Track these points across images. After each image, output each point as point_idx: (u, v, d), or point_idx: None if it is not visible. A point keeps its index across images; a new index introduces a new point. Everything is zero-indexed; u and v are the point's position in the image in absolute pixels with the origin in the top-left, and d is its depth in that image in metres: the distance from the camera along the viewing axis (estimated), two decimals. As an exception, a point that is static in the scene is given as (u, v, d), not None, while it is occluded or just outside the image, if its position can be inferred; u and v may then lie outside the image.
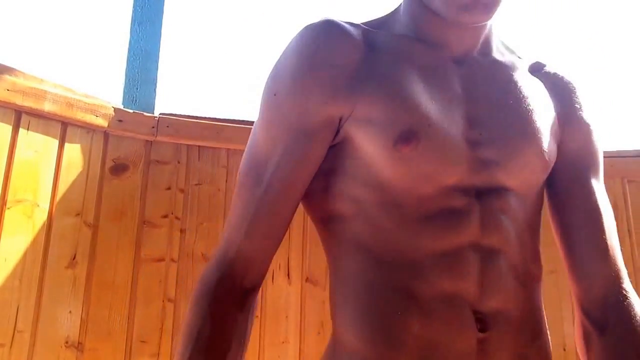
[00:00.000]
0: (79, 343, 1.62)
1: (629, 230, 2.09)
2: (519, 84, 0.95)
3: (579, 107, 1.00)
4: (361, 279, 0.85)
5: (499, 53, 0.98)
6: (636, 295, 0.90)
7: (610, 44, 2.68)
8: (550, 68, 1.03)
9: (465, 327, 0.80)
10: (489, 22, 0.94)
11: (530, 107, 0.93)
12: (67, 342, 1.60)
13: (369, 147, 0.83)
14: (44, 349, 1.56)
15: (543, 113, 0.94)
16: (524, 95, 0.94)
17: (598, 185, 0.98)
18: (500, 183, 0.86)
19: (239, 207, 0.87)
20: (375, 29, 0.93)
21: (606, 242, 0.92)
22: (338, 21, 0.88)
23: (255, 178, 0.86)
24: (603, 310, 0.89)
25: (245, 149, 0.90)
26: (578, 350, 0.93)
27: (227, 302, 0.85)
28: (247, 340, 0.88)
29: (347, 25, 0.88)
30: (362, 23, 0.95)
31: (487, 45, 0.96)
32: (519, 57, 1.01)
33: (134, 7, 1.96)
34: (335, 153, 0.88)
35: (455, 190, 0.84)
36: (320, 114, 0.84)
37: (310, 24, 0.88)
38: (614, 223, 0.96)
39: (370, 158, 0.84)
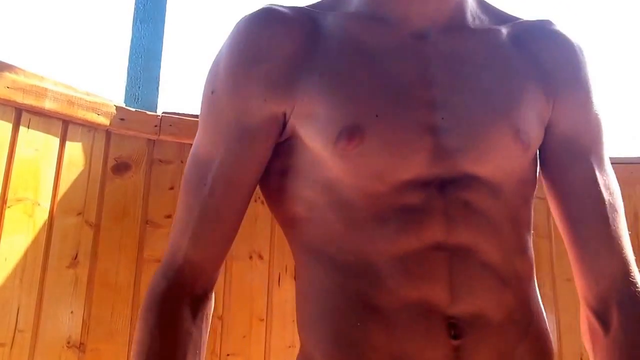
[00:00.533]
0: (80, 343, 1.61)
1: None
2: (495, 58, 0.85)
3: (570, 77, 0.87)
4: (318, 287, 0.81)
5: (475, 20, 0.88)
6: None
7: (621, 51, 2.67)
8: (538, 31, 0.89)
9: (435, 336, 0.73)
10: None
11: (506, 84, 0.83)
12: (68, 343, 1.59)
13: (314, 144, 0.79)
14: (45, 350, 1.56)
15: (523, 89, 0.83)
16: (499, 71, 0.84)
17: (601, 167, 0.86)
18: (467, 172, 0.78)
19: (183, 211, 0.84)
20: (326, 10, 0.86)
21: (611, 233, 0.82)
22: (277, 7, 0.83)
23: (197, 180, 0.82)
24: (608, 306, 0.81)
25: (190, 152, 0.86)
26: (585, 345, 0.86)
27: (177, 313, 0.80)
28: (203, 350, 0.83)
29: (287, 12, 0.82)
30: (313, 5, 0.88)
31: (458, 14, 0.86)
32: (503, 21, 0.90)
33: (136, 5, 1.96)
34: (285, 151, 0.83)
35: (412, 185, 0.76)
36: (260, 112, 0.80)
37: (247, 15, 0.84)
38: (621, 208, 0.85)
39: (316, 156, 0.79)
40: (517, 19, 0.92)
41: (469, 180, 0.78)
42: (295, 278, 0.89)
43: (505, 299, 0.78)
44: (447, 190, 0.77)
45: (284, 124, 0.81)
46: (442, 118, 0.78)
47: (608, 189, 0.85)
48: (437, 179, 0.77)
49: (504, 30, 0.88)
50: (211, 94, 0.83)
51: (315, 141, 0.79)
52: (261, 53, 0.80)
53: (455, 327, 0.74)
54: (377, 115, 0.76)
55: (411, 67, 0.81)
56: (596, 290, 0.82)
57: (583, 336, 0.86)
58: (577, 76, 0.87)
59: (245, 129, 0.80)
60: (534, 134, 0.83)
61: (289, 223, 0.86)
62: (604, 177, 0.85)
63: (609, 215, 0.83)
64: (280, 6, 0.84)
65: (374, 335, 0.75)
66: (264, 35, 0.81)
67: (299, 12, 0.84)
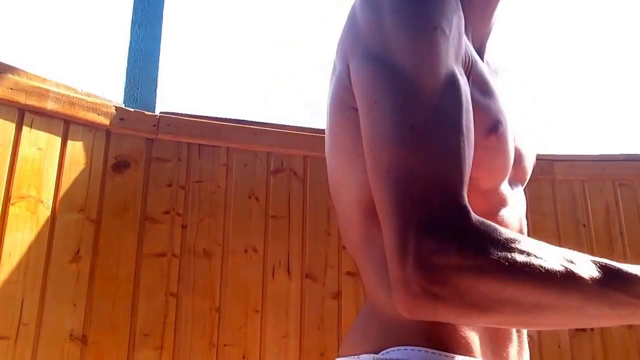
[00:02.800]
0: (83, 336, 1.64)
1: (621, 233, 2.13)
2: (509, 85, 0.98)
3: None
4: None
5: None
6: None
7: (601, 52, 2.71)
8: (509, 69, 1.04)
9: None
10: (496, 19, 0.92)
11: (521, 108, 0.97)
12: (71, 335, 1.62)
13: None
14: (48, 342, 1.58)
15: (526, 111, 1.00)
16: (513, 93, 0.97)
17: None
18: (519, 178, 0.90)
19: (441, 153, 0.67)
20: None
21: None
22: None
23: (445, 115, 0.69)
24: None
25: (398, 96, 0.70)
26: None
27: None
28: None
29: None
30: None
31: (489, 41, 0.96)
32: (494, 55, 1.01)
33: (134, 9, 1.99)
34: None
35: (504, 185, 0.84)
36: (463, 58, 0.76)
37: None
38: None
39: None
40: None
41: (519, 184, 0.90)
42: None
43: None
44: (514, 190, 0.87)
45: None
46: (513, 132, 0.86)
47: None
48: (513, 182, 0.87)
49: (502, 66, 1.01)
50: (434, 30, 0.72)
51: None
52: (454, 5, 0.76)
53: None
54: (504, 118, 0.80)
55: (492, 81, 0.87)
56: None
57: None
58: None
59: (462, 73, 0.75)
60: None
61: None
62: None
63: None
64: None
65: None
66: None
67: None
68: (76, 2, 2.15)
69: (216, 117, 1.99)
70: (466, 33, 0.84)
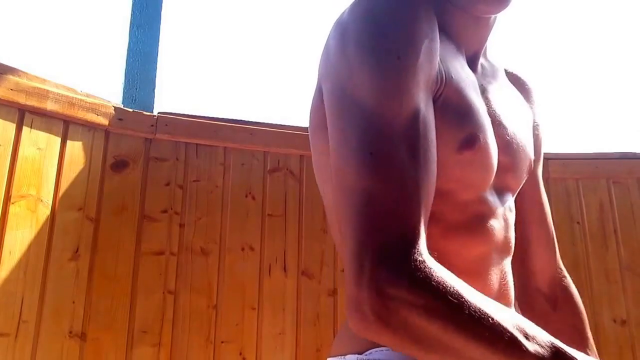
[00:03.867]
0: (82, 333, 1.66)
1: (614, 230, 2.15)
2: (508, 89, 0.99)
3: (538, 110, 1.06)
4: None
5: (487, 54, 1.00)
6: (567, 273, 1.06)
7: (594, 51, 2.73)
8: (512, 71, 1.07)
9: None
10: (495, 22, 0.94)
11: (521, 114, 0.98)
12: (70, 332, 1.64)
13: (438, 146, 0.76)
14: (48, 339, 1.60)
15: (528, 120, 1.00)
16: (515, 102, 0.98)
17: (540, 180, 1.08)
18: (509, 187, 0.90)
19: (398, 181, 0.69)
20: None
21: (552, 233, 1.07)
22: None
23: (403, 143, 0.71)
24: (553, 289, 1.04)
25: (360, 124, 0.72)
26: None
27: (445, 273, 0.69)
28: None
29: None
30: None
31: (486, 48, 0.97)
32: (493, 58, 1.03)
33: (132, 11, 2.00)
34: None
35: (488, 195, 0.85)
36: (430, 88, 0.77)
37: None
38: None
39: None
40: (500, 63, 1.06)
41: (509, 194, 0.91)
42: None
43: (512, 292, 0.90)
44: (502, 200, 0.89)
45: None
46: (502, 139, 0.89)
47: (545, 195, 1.08)
48: (499, 191, 0.88)
49: (501, 69, 1.03)
50: (397, 60, 0.73)
51: (440, 142, 0.76)
52: (426, 28, 0.77)
53: None
54: (484, 132, 0.82)
55: (477, 87, 0.89)
56: (543, 278, 1.04)
57: (523, 312, 1.02)
58: (541, 111, 1.07)
59: (428, 97, 0.76)
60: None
61: None
62: (543, 187, 1.07)
63: (549, 219, 1.06)
64: None
65: None
66: (421, 13, 0.78)
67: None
68: (75, 3, 2.17)
69: (213, 117, 2.00)
70: (452, 46, 0.86)
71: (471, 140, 0.79)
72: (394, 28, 0.76)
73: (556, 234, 2.23)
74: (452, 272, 0.67)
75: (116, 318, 1.71)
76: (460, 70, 0.84)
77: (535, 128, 1.05)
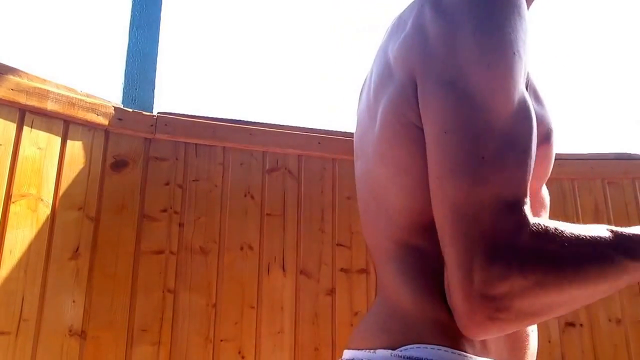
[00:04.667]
0: (82, 331, 1.66)
1: (610, 230, 2.16)
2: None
3: None
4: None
5: None
6: None
7: (589, 51, 2.74)
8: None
9: None
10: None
11: None
12: (70, 331, 1.65)
13: None
14: (48, 338, 1.61)
15: None
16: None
17: None
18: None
19: (505, 182, 0.67)
20: None
21: None
22: None
23: (517, 144, 0.68)
24: None
25: (475, 122, 0.69)
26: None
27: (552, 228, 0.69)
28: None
29: None
30: None
31: None
32: None
33: (132, 11, 2.01)
34: None
35: (543, 188, 0.87)
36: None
37: None
38: None
39: None
40: None
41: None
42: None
43: None
44: (546, 192, 0.90)
45: None
46: None
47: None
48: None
49: None
50: (514, 55, 0.70)
51: None
52: (527, 18, 0.74)
53: None
54: (553, 127, 0.81)
55: None
56: None
57: None
58: None
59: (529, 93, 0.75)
60: None
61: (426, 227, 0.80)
62: None
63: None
64: None
65: None
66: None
67: None
68: (75, 4, 2.17)
69: (212, 117, 2.01)
70: None
71: (549, 135, 0.78)
72: (508, 18, 0.71)
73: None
74: None
75: (116, 317, 1.72)
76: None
77: None
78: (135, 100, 1.93)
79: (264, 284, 1.90)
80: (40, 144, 1.70)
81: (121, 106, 1.89)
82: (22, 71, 1.69)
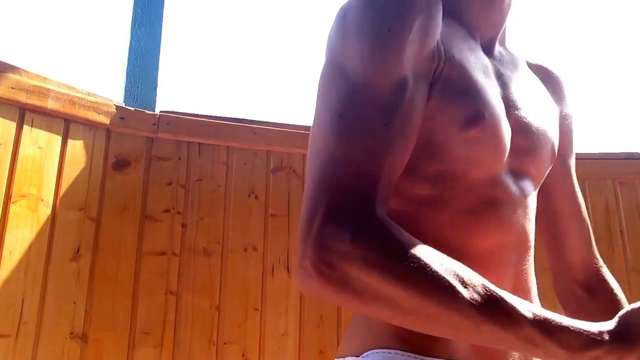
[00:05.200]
0: (83, 334, 1.65)
1: (621, 231, 2.14)
2: (529, 78, 0.98)
3: (567, 102, 1.05)
4: None
5: (505, 44, 0.99)
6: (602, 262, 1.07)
7: (602, 50, 2.72)
8: (537, 63, 1.06)
9: None
10: (509, 11, 0.93)
11: (543, 102, 0.96)
12: (71, 334, 1.63)
13: (436, 125, 0.77)
14: (48, 340, 1.59)
15: (551, 108, 0.98)
16: (536, 90, 0.96)
17: (573, 171, 1.07)
18: (528, 172, 0.87)
19: (363, 144, 0.70)
20: None
21: (587, 226, 1.05)
22: None
23: (378, 110, 0.71)
24: (589, 278, 1.04)
25: (341, 91, 0.74)
26: (563, 308, 1.04)
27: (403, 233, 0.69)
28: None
29: None
30: None
31: (503, 37, 0.96)
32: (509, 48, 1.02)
33: (134, 9, 2.00)
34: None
35: (501, 178, 0.82)
36: (423, 60, 0.76)
37: None
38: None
39: (434, 140, 0.78)
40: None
41: (529, 179, 0.87)
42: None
43: (534, 293, 0.87)
44: (519, 184, 0.85)
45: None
46: (517, 120, 0.86)
47: (578, 187, 1.06)
48: (514, 174, 0.85)
49: (520, 57, 1.01)
50: (387, 32, 0.74)
51: (440, 120, 0.77)
52: (422, 6, 0.77)
53: None
54: (493, 106, 0.80)
55: (490, 70, 0.89)
56: (580, 268, 1.04)
57: (562, 305, 1.04)
58: (570, 101, 1.06)
59: (420, 74, 0.76)
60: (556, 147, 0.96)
61: (392, 219, 0.83)
62: (576, 183, 1.06)
63: (583, 210, 1.05)
64: None
65: None
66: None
67: None
68: (76, 1, 2.16)
69: (216, 116, 1.99)
70: (463, 31, 0.87)
71: (475, 118, 0.77)
72: (389, 4, 0.76)
73: (562, 235, 2.24)
74: (462, 262, 0.68)
75: (117, 319, 1.70)
76: (468, 53, 0.84)
77: (564, 118, 1.04)
78: (137, 98, 1.92)
79: (268, 286, 1.87)
80: (40, 143, 1.68)
81: (123, 105, 1.87)
82: (22, 69, 1.68)
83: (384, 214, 0.67)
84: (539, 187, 0.93)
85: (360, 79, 0.73)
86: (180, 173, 1.89)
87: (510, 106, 0.86)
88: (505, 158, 0.82)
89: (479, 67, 0.84)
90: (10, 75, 1.65)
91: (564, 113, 1.04)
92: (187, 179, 1.89)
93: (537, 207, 0.93)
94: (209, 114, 1.99)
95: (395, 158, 0.72)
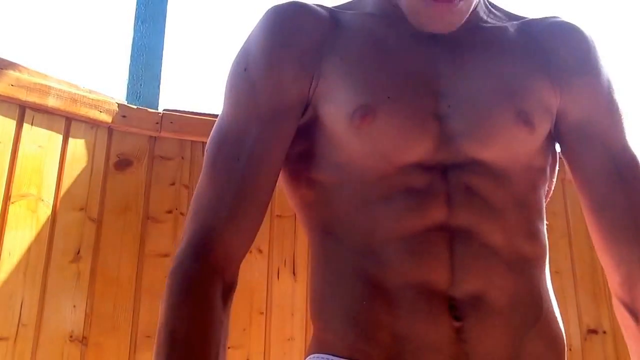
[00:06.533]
0: (83, 337, 1.63)
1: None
2: (500, 49, 0.88)
3: (578, 65, 0.88)
4: (329, 267, 0.82)
5: (485, 19, 0.91)
6: None
7: (605, 50, 2.69)
8: (545, 24, 0.92)
9: (437, 317, 0.74)
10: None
11: (510, 71, 0.85)
12: (71, 337, 1.61)
13: (331, 123, 0.82)
14: (48, 343, 1.58)
15: (526, 76, 0.86)
16: (504, 61, 0.86)
17: (620, 152, 0.86)
18: (472, 157, 0.80)
19: (212, 189, 0.81)
20: (345, 9, 0.92)
21: (626, 221, 0.83)
22: (303, 1, 0.89)
23: (230, 156, 0.82)
24: (634, 295, 0.81)
25: (214, 130, 0.86)
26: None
27: (211, 300, 0.77)
28: (226, 344, 0.80)
29: (313, 6, 0.89)
30: (333, 6, 0.94)
31: (470, 17, 0.86)
32: (510, 19, 0.93)
33: (137, 5, 1.99)
34: (303, 135, 0.86)
35: (417, 168, 0.79)
36: (290, 92, 0.83)
37: (276, 5, 0.89)
38: None
39: (332, 136, 0.83)
40: (525, 17, 0.95)
41: (473, 165, 0.80)
42: (310, 259, 0.88)
43: (509, 283, 0.78)
44: (450, 174, 0.79)
45: (307, 105, 0.85)
46: (449, 106, 0.81)
47: (630, 169, 0.85)
48: (441, 163, 0.79)
49: (511, 26, 0.91)
50: (244, 71, 0.85)
51: (332, 119, 0.82)
52: (293, 37, 0.85)
53: (456, 309, 0.74)
54: (388, 98, 0.81)
55: (421, 59, 0.85)
56: (619, 277, 0.82)
57: (620, 324, 0.86)
58: (585, 64, 0.89)
59: (278, 108, 0.83)
60: (538, 118, 0.83)
61: (303, 206, 0.89)
62: (625, 159, 0.85)
63: (626, 203, 0.83)
64: (306, 2, 0.90)
65: (379, 313, 0.76)
66: (295, 23, 0.86)
67: (321, 7, 0.90)
68: (78, -3, 2.16)
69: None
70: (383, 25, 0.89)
71: (362, 112, 0.80)
72: (253, 42, 0.87)
73: (572, 235, 2.20)
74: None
75: (119, 322, 1.68)
76: (383, 44, 0.87)
77: (571, 84, 0.87)
78: (139, 96, 1.90)
79: (273, 289, 1.85)
80: (40, 142, 1.67)
81: (125, 103, 1.85)
82: (22, 66, 1.67)
83: (211, 257, 0.80)
84: (524, 169, 0.84)
85: (223, 119, 0.85)
86: (183, 173, 1.86)
87: (443, 93, 0.82)
88: (423, 146, 0.80)
89: (391, 58, 0.86)
90: (10, 72, 1.63)
91: (578, 84, 0.88)
92: (191, 179, 1.86)
93: (583, 203, 0.86)
94: (213, 113, 1.96)
95: (246, 188, 0.81)
